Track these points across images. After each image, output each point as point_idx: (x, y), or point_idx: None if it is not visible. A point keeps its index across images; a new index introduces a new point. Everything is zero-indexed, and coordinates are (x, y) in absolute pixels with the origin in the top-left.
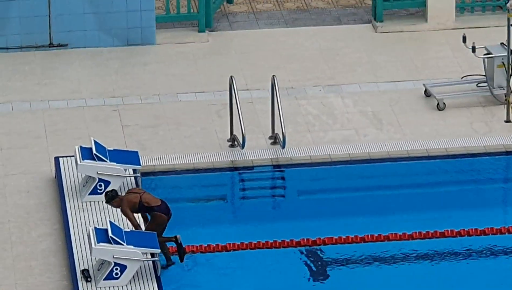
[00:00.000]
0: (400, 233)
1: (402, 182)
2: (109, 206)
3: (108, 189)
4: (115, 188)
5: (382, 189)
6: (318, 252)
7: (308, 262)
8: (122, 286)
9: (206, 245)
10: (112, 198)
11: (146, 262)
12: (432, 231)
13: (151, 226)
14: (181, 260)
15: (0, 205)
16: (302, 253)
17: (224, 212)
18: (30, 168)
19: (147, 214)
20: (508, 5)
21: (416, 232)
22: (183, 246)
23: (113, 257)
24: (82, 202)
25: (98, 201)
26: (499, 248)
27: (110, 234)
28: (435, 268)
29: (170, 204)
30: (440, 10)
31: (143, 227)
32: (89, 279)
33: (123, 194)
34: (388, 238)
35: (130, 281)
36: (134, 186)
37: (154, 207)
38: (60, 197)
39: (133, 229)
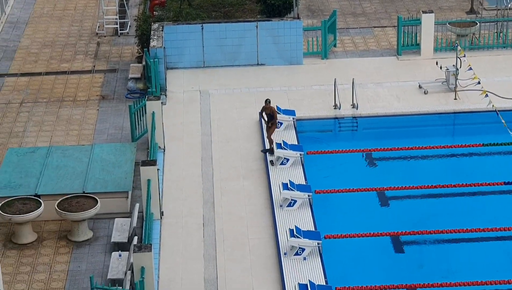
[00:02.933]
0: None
1: (410, 124)
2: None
3: (268, 101)
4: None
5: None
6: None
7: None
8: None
9: (324, 150)
10: (268, 102)
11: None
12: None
13: (272, 128)
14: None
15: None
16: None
17: (331, 135)
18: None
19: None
20: (456, 50)
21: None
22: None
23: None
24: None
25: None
26: None
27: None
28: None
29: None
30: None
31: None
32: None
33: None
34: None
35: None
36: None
37: (275, 117)
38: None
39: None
